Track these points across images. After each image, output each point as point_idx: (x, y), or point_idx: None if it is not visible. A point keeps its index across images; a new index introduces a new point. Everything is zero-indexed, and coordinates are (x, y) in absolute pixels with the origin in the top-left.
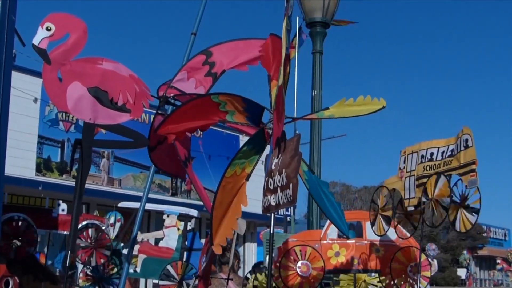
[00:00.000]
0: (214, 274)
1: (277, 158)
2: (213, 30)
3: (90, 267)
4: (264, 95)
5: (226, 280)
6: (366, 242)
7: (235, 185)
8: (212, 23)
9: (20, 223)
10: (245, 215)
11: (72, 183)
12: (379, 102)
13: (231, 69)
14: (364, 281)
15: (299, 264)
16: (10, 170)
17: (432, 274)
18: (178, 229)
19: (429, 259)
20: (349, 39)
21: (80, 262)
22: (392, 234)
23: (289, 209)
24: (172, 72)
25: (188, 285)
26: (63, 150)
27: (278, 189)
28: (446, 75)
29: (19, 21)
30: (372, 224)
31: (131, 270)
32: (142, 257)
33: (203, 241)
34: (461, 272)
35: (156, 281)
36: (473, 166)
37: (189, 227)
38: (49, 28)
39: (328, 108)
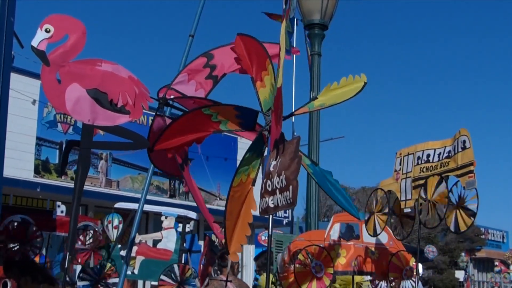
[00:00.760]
0: (213, 277)
1: (275, 160)
2: (212, 32)
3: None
4: None
5: (225, 282)
6: (362, 244)
7: (243, 193)
8: (211, 25)
9: (29, 226)
10: None
11: (70, 184)
12: (360, 79)
13: (232, 72)
14: (357, 283)
15: (313, 264)
16: (8, 171)
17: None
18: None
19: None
20: (348, 40)
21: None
22: (385, 237)
23: (287, 211)
24: (170, 74)
25: None
26: (61, 152)
27: (277, 191)
28: (444, 77)
29: (18, 23)
30: (366, 223)
31: (129, 272)
32: (140, 258)
33: (201, 243)
34: (459, 274)
35: (154, 283)
36: (471, 167)
37: (187, 229)
38: (48, 29)
39: (316, 98)
